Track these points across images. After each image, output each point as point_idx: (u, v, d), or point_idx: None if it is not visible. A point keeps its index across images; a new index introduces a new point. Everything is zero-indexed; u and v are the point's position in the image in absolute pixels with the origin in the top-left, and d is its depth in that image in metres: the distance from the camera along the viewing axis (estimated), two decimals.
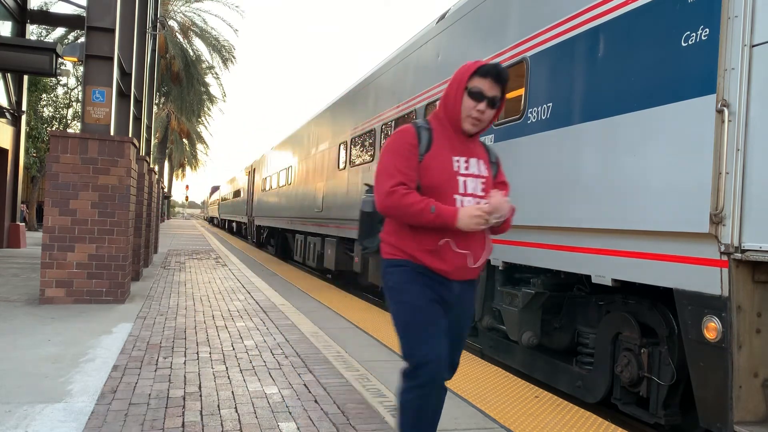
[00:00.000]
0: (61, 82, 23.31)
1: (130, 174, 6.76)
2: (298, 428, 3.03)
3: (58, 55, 10.41)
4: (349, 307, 7.27)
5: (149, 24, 11.90)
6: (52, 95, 22.92)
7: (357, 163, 9.42)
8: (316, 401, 3.48)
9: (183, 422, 3.04)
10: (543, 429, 3.22)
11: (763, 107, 2.95)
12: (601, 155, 3.89)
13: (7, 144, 13.72)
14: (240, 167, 33.15)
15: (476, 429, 3.11)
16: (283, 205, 16.14)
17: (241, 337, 5.19)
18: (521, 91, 4.83)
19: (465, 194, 2.23)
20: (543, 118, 4.54)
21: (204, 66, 34.61)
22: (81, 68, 11.73)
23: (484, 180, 2.30)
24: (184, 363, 4.22)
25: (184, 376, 3.88)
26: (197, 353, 4.54)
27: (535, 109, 4.64)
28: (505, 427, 3.20)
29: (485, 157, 2.38)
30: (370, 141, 8.79)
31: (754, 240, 2.94)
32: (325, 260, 11.04)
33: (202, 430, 2.95)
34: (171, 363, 4.21)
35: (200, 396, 3.48)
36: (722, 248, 3.03)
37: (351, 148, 9.84)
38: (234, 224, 35.15)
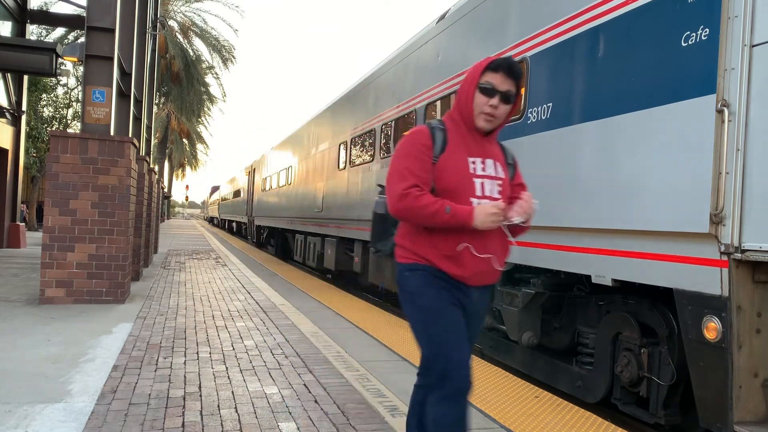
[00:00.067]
0: (61, 82, 23.33)
1: (130, 174, 6.77)
2: (298, 428, 3.03)
3: (58, 55, 10.41)
4: (349, 307, 7.27)
5: (149, 24, 11.90)
6: (52, 95, 22.93)
7: (357, 163, 9.42)
8: (316, 401, 3.48)
9: (183, 422, 3.04)
10: (543, 429, 3.22)
11: (763, 107, 2.95)
12: (601, 155, 3.89)
13: (7, 144, 13.73)
14: (240, 167, 33.17)
15: (476, 429, 3.11)
16: (283, 205, 16.14)
17: (241, 337, 5.19)
18: (521, 91, 4.83)
19: (482, 197, 2.12)
20: (543, 118, 4.54)
21: (204, 66, 34.63)
22: (81, 68, 11.73)
23: (501, 182, 2.20)
24: (184, 363, 4.22)
25: (184, 376, 3.88)
26: (197, 353, 4.54)
27: (535, 109, 4.64)
28: (505, 427, 3.20)
29: (502, 158, 2.28)
30: (370, 141, 8.79)
31: (754, 240, 2.94)
32: (325, 260, 11.05)
33: (202, 430, 2.95)
34: (171, 363, 4.21)
35: (200, 396, 3.48)
36: (722, 248, 3.03)
37: (351, 148, 9.84)
38: (234, 224, 35.14)
